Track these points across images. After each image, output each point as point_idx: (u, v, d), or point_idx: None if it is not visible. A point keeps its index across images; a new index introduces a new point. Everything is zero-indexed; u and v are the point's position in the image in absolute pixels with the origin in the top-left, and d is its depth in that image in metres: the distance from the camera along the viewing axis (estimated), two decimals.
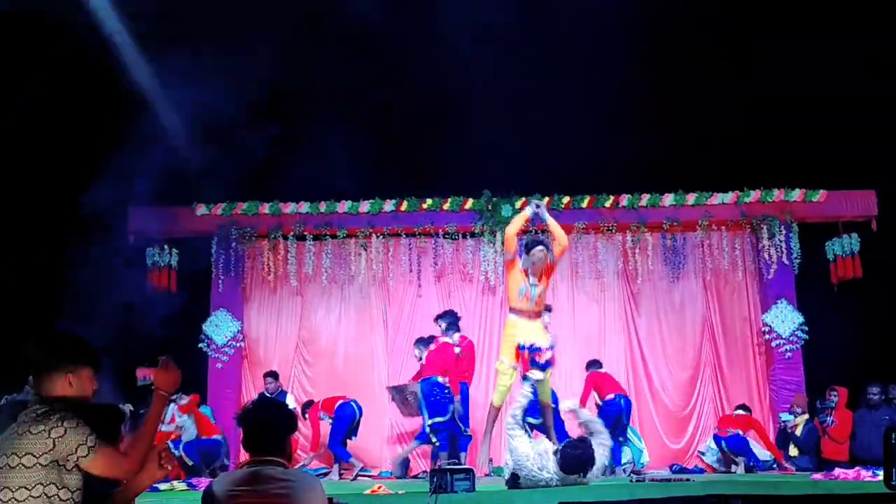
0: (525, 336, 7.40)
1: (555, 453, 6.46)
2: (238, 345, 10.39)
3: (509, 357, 7.42)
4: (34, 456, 2.85)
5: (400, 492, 6.43)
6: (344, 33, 9.28)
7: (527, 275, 7.50)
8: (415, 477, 9.19)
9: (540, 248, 7.48)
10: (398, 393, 9.48)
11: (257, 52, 8.13)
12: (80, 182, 8.39)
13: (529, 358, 7.39)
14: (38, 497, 2.85)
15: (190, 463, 8.88)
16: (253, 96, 8.41)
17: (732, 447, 9.09)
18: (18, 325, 8.09)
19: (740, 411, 9.50)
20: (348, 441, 9.30)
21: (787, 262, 10.21)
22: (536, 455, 6.52)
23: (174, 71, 8.16)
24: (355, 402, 9.33)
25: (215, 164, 8.93)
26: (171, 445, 8.53)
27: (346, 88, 9.74)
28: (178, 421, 9.12)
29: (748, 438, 9.16)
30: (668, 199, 10.41)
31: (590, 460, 6.47)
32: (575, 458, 6.35)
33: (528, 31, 9.98)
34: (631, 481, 7.44)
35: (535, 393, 7.65)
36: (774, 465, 9.08)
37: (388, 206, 10.48)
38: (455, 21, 8.95)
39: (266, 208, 10.51)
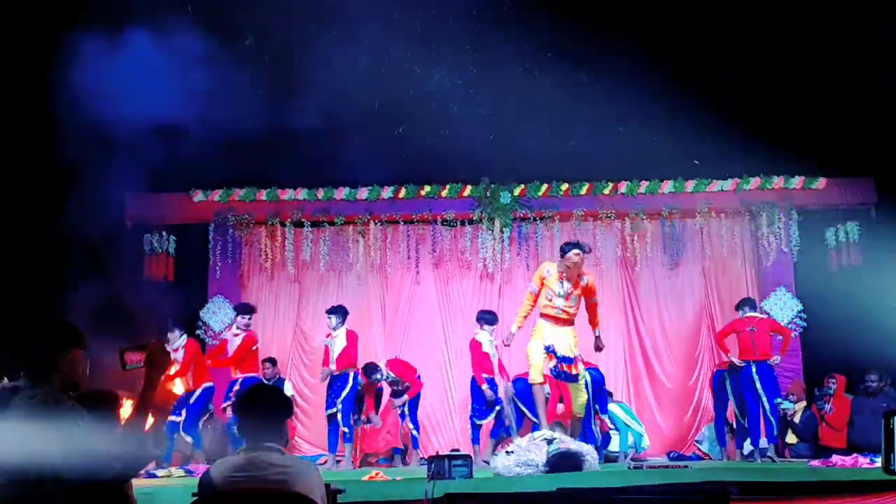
0: (550, 340, 7.55)
1: (548, 452, 6.47)
2: None
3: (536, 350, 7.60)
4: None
5: (398, 478, 6.45)
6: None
7: (561, 279, 7.56)
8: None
9: (575, 250, 7.50)
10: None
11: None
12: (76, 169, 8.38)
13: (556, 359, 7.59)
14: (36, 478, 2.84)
15: (188, 440, 8.76)
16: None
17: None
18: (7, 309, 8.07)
19: (754, 313, 9.04)
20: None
21: (786, 249, 10.21)
22: (527, 444, 6.59)
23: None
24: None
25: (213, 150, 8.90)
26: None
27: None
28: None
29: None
30: (667, 186, 10.40)
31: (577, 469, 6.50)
32: (562, 468, 6.38)
33: (527, 21, 9.91)
34: (629, 468, 7.46)
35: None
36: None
37: (387, 192, 10.46)
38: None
39: (263, 195, 10.48)
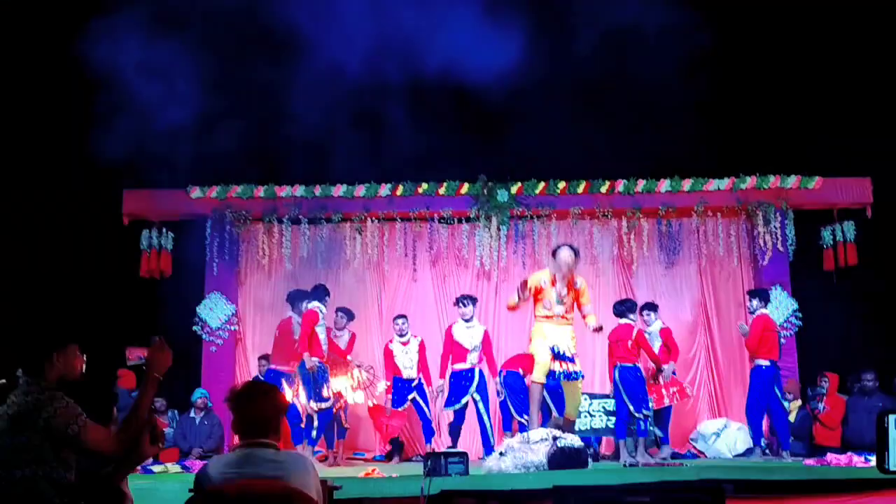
0: (553, 340, 7.56)
1: (548, 450, 6.47)
2: (232, 328, 10.35)
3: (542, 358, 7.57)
4: (26, 436, 2.85)
5: (394, 475, 6.46)
6: None
7: (554, 283, 7.57)
8: (408, 460, 9.21)
9: (566, 250, 7.58)
10: None
11: None
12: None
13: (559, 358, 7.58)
14: (32, 475, 2.85)
15: None
16: None
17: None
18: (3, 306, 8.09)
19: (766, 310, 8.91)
20: None
21: (781, 248, 10.22)
22: (519, 445, 6.60)
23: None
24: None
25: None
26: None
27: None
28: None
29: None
30: (664, 185, 10.39)
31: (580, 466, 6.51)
32: (565, 465, 6.38)
33: (530, 23, 9.93)
34: (624, 466, 7.48)
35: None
36: None
37: (384, 190, 10.45)
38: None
39: (261, 191, 10.46)
